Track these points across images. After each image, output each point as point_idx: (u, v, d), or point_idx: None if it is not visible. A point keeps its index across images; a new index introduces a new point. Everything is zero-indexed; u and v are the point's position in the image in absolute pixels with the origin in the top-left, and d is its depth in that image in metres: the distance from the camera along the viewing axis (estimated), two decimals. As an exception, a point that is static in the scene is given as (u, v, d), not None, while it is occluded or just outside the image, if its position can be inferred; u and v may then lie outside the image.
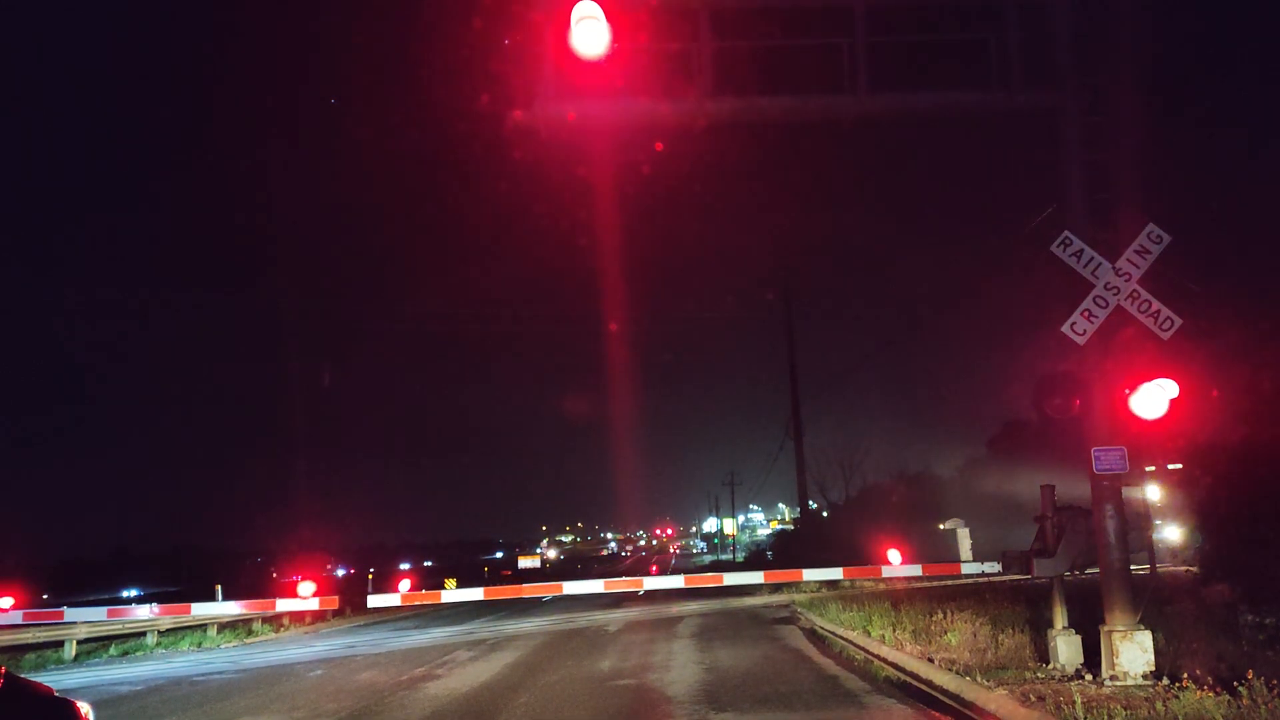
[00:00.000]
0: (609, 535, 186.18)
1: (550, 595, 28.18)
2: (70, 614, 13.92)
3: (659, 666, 13.39)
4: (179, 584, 63.11)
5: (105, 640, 22.69)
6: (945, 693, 9.78)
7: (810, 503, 49.65)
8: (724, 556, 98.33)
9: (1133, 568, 9.94)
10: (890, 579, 21.98)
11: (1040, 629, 11.33)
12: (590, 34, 8.42)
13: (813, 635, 17.18)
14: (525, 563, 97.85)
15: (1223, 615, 11.84)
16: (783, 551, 55.23)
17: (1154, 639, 9.38)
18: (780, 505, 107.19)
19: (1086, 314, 9.47)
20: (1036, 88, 10.06)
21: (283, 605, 18.52)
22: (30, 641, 20.17)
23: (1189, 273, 9.72)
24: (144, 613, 18.76)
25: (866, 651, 13.50)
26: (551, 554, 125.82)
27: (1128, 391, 9.25)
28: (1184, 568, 21.30)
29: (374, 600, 12.49)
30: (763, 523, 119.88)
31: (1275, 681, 7.33)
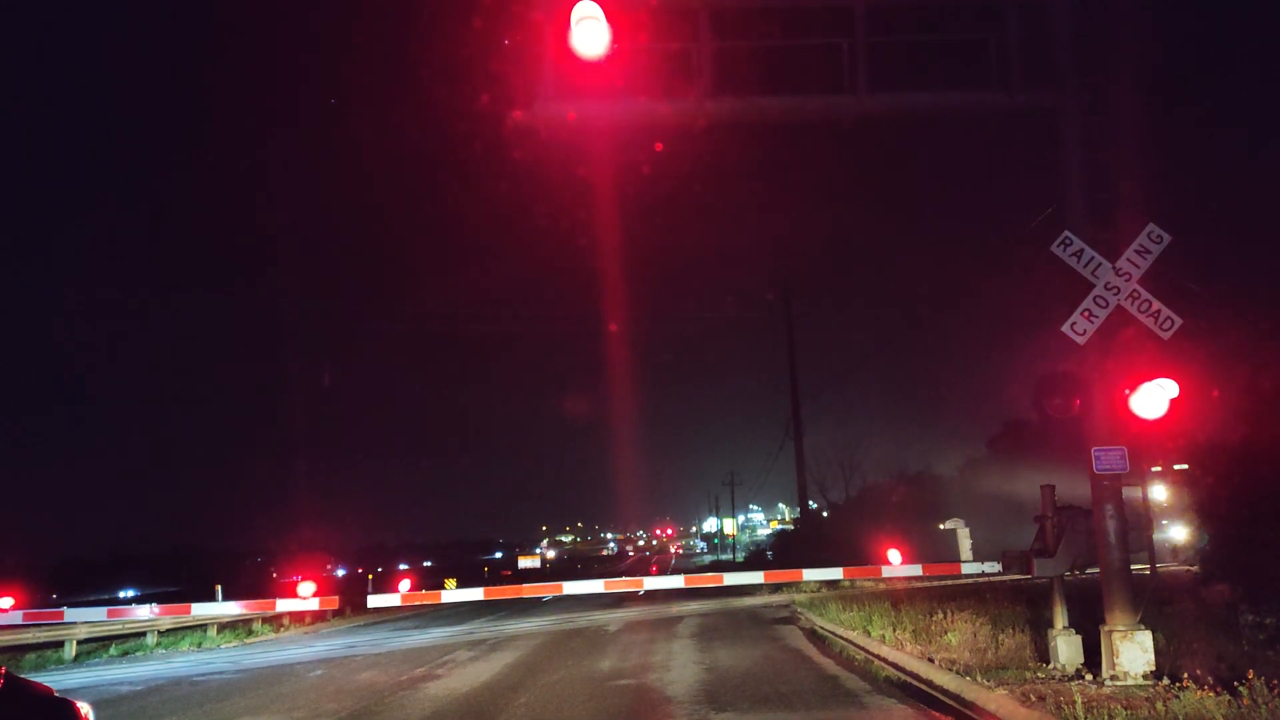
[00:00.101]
0: (608, 535, 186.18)
1: (550, 595, 28.17)
2: (70, 614, 13.91)
3: (659, 666, 13.39)
4: (179, 584, 63.10)
5: (105, 640, 22.69)
6: (945, 693, 9.78)
7: (810, 503, 49.65)
8: (724, 556, 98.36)
9: (1133, 567, 9.94)
10: (890, 579, 21.99)
11: (1040, 629, 11.33)
12: (590, 34, 8.42)
13: (813, 635, 17.18)
14: (525, 563, 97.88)
15: (1223, 615, 11.84)
16: (783, 551, 55.24)
17: (1154, 639, 9.39)
18: (780, 505, 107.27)
19: (1087, 314, 9.47)
20: (1036, 88, 10.06)
21: (283, 605, 18.51)
22: (30, 641, 20.16)
23: (1189, 273, 9.73)
24: (144, 613, 18.75)
25: (866, 651, 13.50)
26: (551, 554, 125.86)
27: (1128, 391, 9.25)
28: (1184, 567, 21.32)
29: (374, 600, 12.49)
30: (763, 523, 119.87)
31: (1276, 681, 7.33)
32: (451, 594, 13.47)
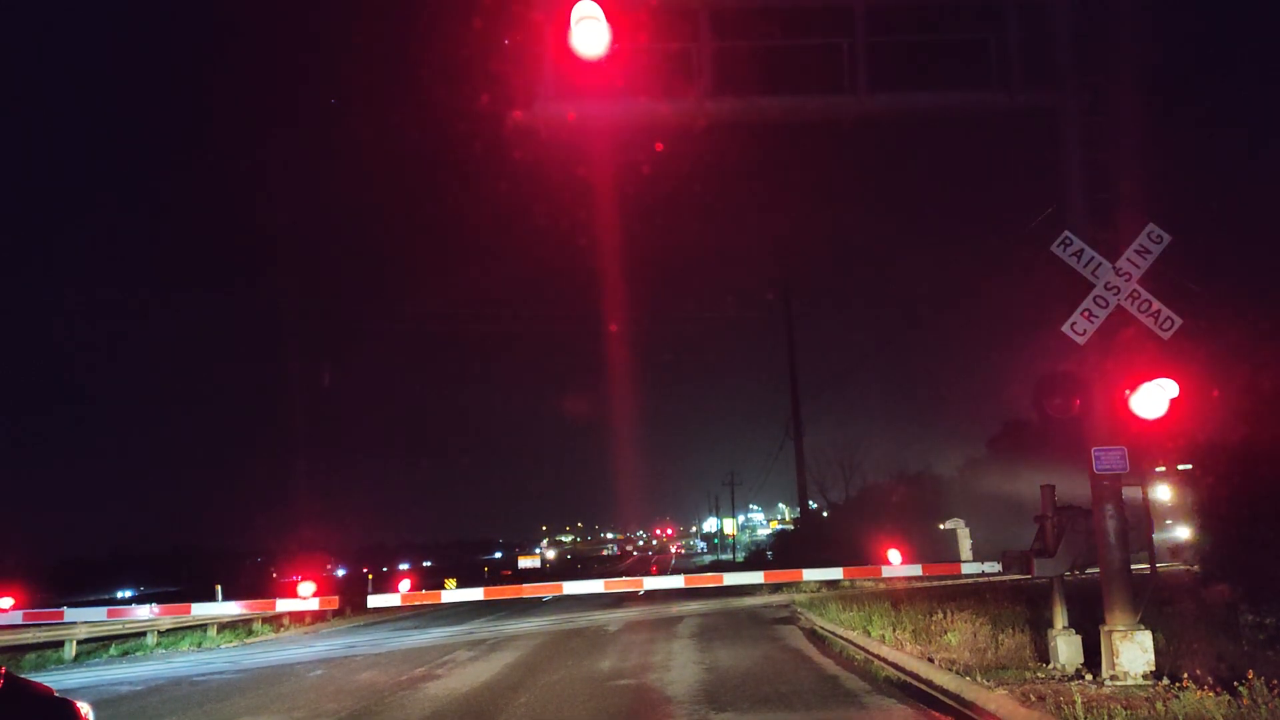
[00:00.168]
0: (608, 536, 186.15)
1: (550, 595, 28.16)
2: (70, 614, 13.92)
3: (659, 666, 13.39)
4: (179, 584, 63.10)
5: (105, 640, 22.69)
6: (945, 692, 9.78)
7: (810, 503, 49.65)
8: (724, 556, 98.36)
9: (1133, 567, 9.94)
10: (890, 579, 21.98)
11: (1040, 629, 11.33)
12: (590, 34, 8.42)
13: (813, 635, 17.18)
14: (525, 563, 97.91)
15: (1223, 615, 11.83)
16: (783, 551, 55.24)
17: (1154, 639, 9.38)
18: (780, 505, 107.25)
19: (1087, 314, 9.47)
20: (1036, 88, 10.06)
21: (283, 605, 18.51)
22: (30, 641, 20.16)
23: (1189, 273, 9.73)
24: (144, 613, 18.75)
25: (866, 651, 13.50)
26: (551, 554, 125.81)
27: (1128, 392, 9.25)
28: (1185, 566, 21.31)
29: (374, 600, 12.49)
30: (763, 523, 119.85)
31: (1275, 681, 7.32)
32: (451, 594, 13.47)
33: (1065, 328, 9.51)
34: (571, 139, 10.93)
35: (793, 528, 64.24)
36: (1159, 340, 9.33)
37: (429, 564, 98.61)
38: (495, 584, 35.05)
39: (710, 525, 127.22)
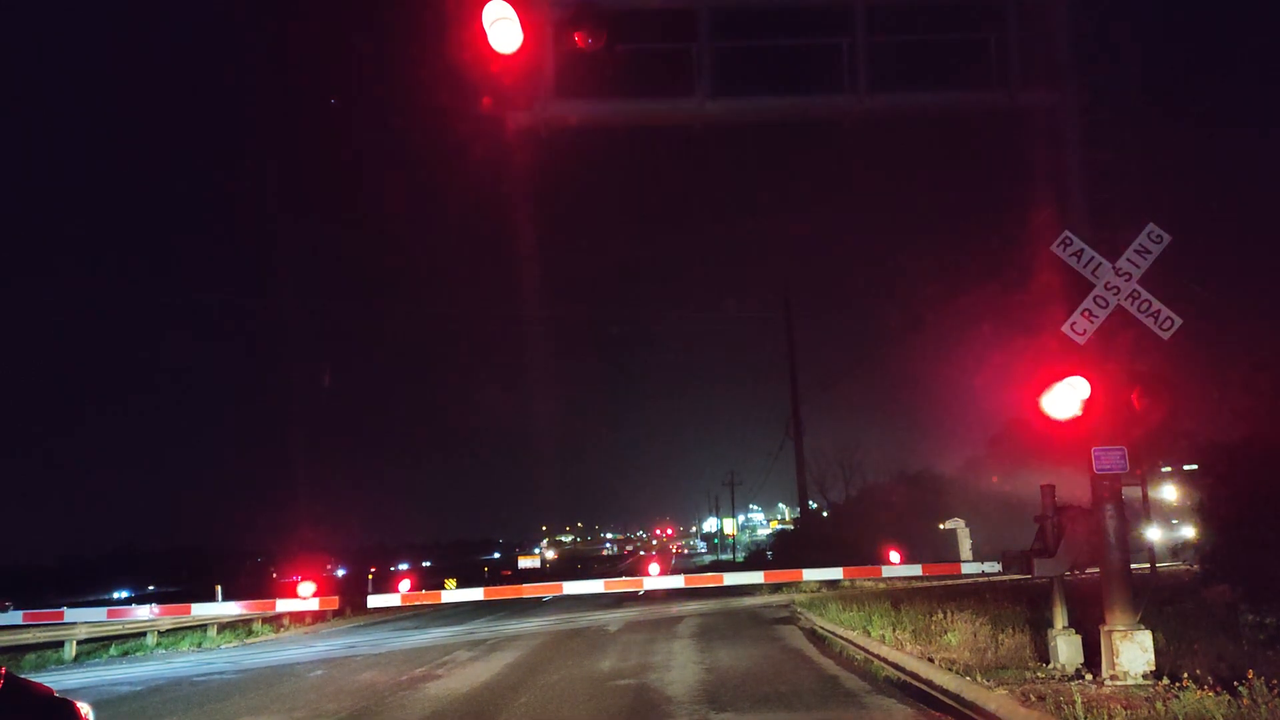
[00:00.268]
0: (607, 536, 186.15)
1: (550, 595, 28.17)
2: (70, 614, 13.91)
3: (659, 666, 13.39)
4: (179, 584, 63.10)
5: (105, 640, 22.70)
6: (945, 692, 9.78)
7: (810, 502, 49.69)
8: (724, 556, 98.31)
9: (1133, 567, 9.94)
10: (890, 579, 21.96)
11: (1040, 629, 11.33)
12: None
13: (813, 635, 17.18)
14: (525, 563, 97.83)
15: (1223, 615, 11.85)
16: (783, 551, 55.22)
17: (1154, 639, 9.38)
18: (780, 505, 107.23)
19: (1087, 314, 9.48)
20: (1036, 87, 10.07)
21: (283, 605, 18.50)
22: (30, 642, 20.17)
23: (1189, 273, 9.74)
24: (144, 613, 18.74)
25: (866, 651, 13.50)
26: (551, 554, 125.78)
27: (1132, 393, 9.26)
28: (1185, 566, 21.32)
29: (374, 600, 12.47)
30: (763, 523, 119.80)
31: (1276, 681, 7.33)
32: (451, 594, 13.44)
33: (1065, 328, 9.51)
34: (573, 140, 10.94)
35: (793, 528, 64.21)
36: (1159, 340, 9.33)
37: (428, 564, 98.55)
38: (495, 584, 35.02)
39: (710, 525, 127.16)
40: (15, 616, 11.68)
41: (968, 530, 12.83)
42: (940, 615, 14.69)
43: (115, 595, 54.50)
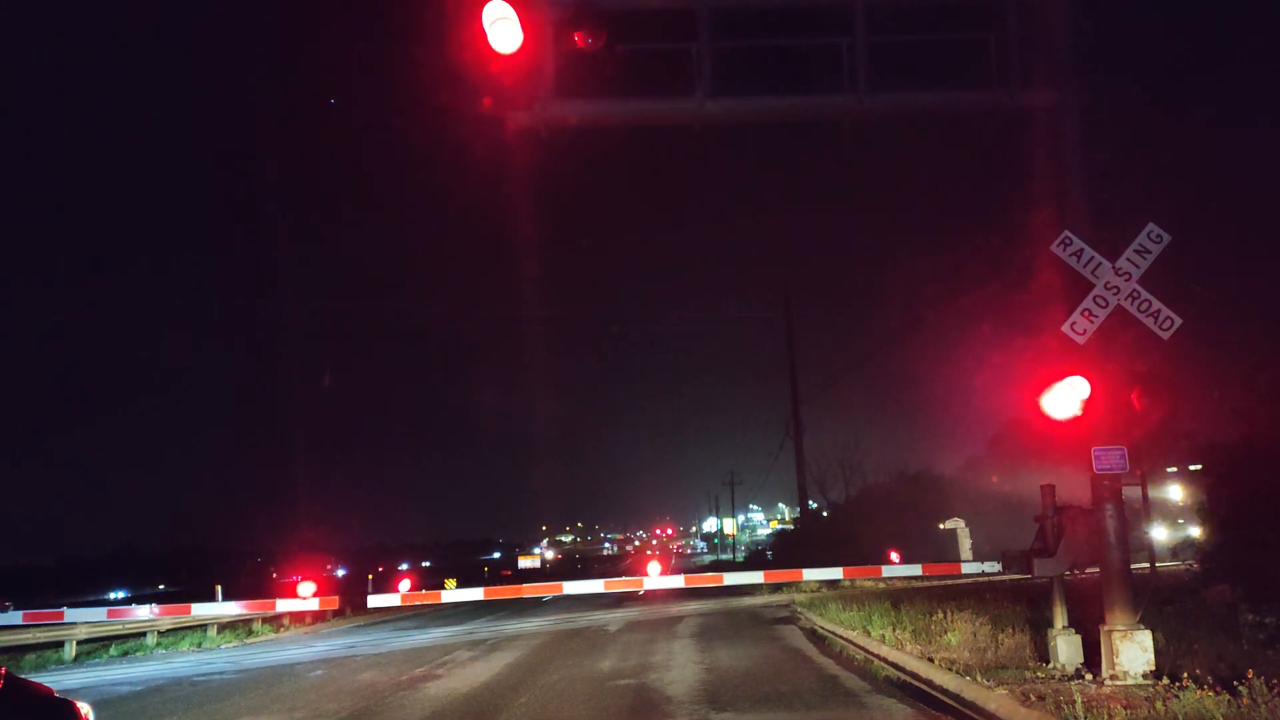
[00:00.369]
0: (607, 536, 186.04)
1: (550, 595, 28.19)
2: (70, 614, 13.90)
3: (659, 666, 13.39)
4: (179, 584, 63.11)
5: (105, 641, 22.71)
6: (945, 692, 9.78)
7: (810, 502, 49.69)
8: (724, 556, 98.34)
9: (1133, 566, 9.93)
10: (890, 579, 21.96)
11: (1040, 628, 11.33)
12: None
13: (813, 635, 17.18)
14: (525, 563, 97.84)
15: (1223, 615, 11.85)
16: (783, 551, 55.25)
17: (1154, 638, 9.38)
18: (780, 505, 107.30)
19: (1087, 314, 9.48)
20: (1036, 87, 10.06)
21: (283, 605, 18.51)
22: (30, 642, 20.18)
23: (1189, 273, 9.74)
24: (144, 613, 18.73)
25: (866, 651, 13.50)
26: (550, 554, 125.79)
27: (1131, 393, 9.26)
28: (1184, 565, 21.33)
29: (374, 600, 12.48)
30: (763, 522, 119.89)
31: (1276, 681, 7.33)
32: (451, 594, 13.44)
33: (1065, 327, 9.51)
34: (573, 140, 10.94)
35: (793, 528, 64.24)
36: (1159, 340, 9.33)
37: (428, 564, 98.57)
38: (495, 584, 35.04)
39: (710, 525, 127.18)
40: (15, 616, 11.68)
41: (968, 530, 12.84)
42: (940, 615, 14.70)
43: (112, 595, 54.48)
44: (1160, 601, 13.27)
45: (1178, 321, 9.29)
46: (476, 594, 13.64)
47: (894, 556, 11.57)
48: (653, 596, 30.25)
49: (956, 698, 9.39)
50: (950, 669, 10.60)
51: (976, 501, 36.36)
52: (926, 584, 23.32)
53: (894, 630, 14.23)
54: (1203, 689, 7.63)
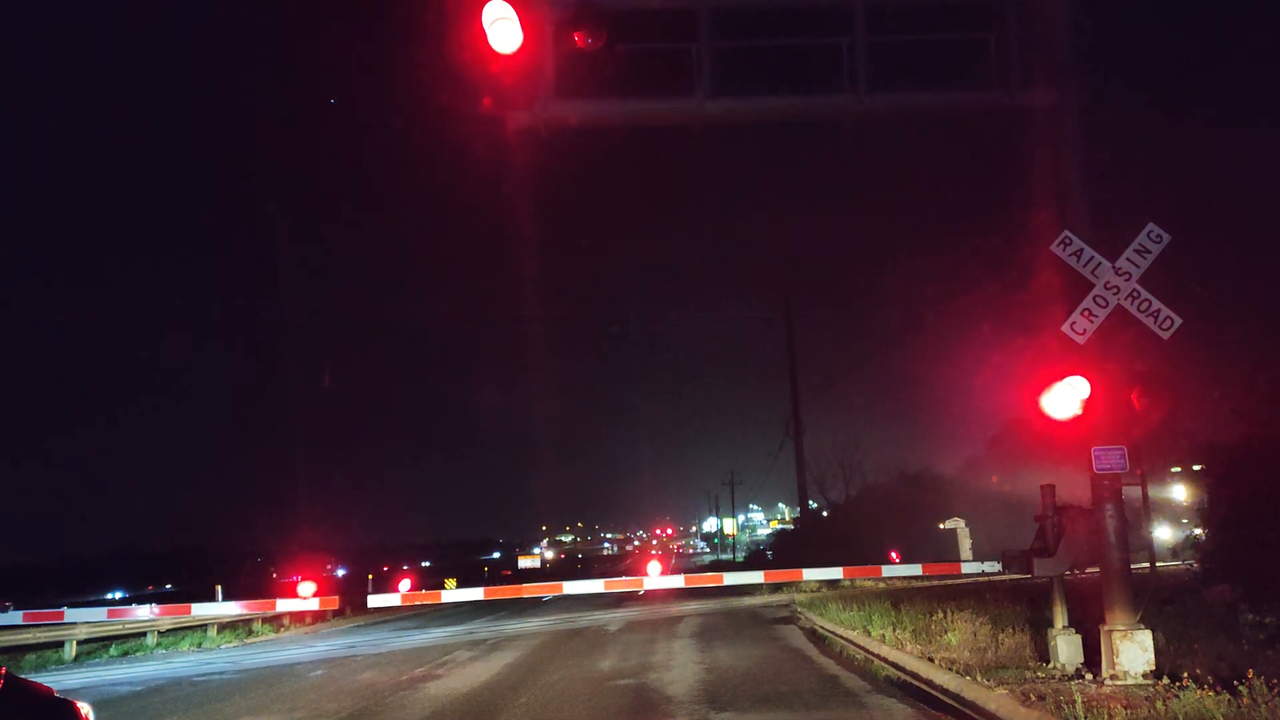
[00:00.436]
0: (607, 536, 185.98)
1: (550, 595, 28.19)
2: (70, 614, 13.90)
3: (659, 666, 13.39)
4: (179, 584, 63.12)
5: (105, 641, 22.71)
6: (945, 692, 9.78)
7: (810, 502, 49.70)
8: (724, 556, 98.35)
9: (1133, 566, 9.93)
10: (890, 578, 21.95)
11: (1040, 628, 11.33)
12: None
13: (813, 635, 17.18)
14: (525, 563, 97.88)
15: (1223, 614, 11.85)
16: (783, 551, 55.28)
17: (1154, 638, 9.38)
18: (780, 505, 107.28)
19: (1087, 313, 9.48)
20: (1036, 87, 10.06)
21: (283, 605, 18.52)
22: (30, 642, 20.18)
23: (1189, 273, 9.74)
24: (144, 613, 18.72)
25: (866, 651, 13.50)
26: (550, 554, 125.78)
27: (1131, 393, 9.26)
28: (1184, 565, 21.34)
29: (374, 600, 12.49)
30: (763, 522, 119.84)
31: (1276, 681, 7.33)
32: (451, 594, 13.44)
33: (1065, 327, 9.51)
34: (573, 140, 10.94)
35: (793, 527, 64.27)
36: (1159, 340, 9.33)
37: (428, 564, 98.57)
38: (495, 584, 35.05)
39: (710, 525, 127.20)
40: (15, 616, 11.69)
41: (968, 530, 12.87)
42: (940, 615, 14.69)
43: (109, 596, 54.44)
44: (1160, 601, 13.27)
45: (1178, 321, 9.29)
46: (476, 594, 13.65)
47: (894, 556, 11.57)
48: (653, 596, 30.25)
49: (957, 697, 9.39)
50: (950, 669, 10.60)
51: (976, 501, 36.37)
52: (926, 584, 23.30)
53: (894, 630, 14.22)
54: (1203, 689, 7.63)
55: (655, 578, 12.05)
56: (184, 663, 18.98)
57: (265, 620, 27.29)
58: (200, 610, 17.62)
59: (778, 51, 10.20)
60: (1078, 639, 10.13)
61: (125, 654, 21.73)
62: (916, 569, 11.96)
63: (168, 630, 24.04)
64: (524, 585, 13.36)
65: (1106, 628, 9.46)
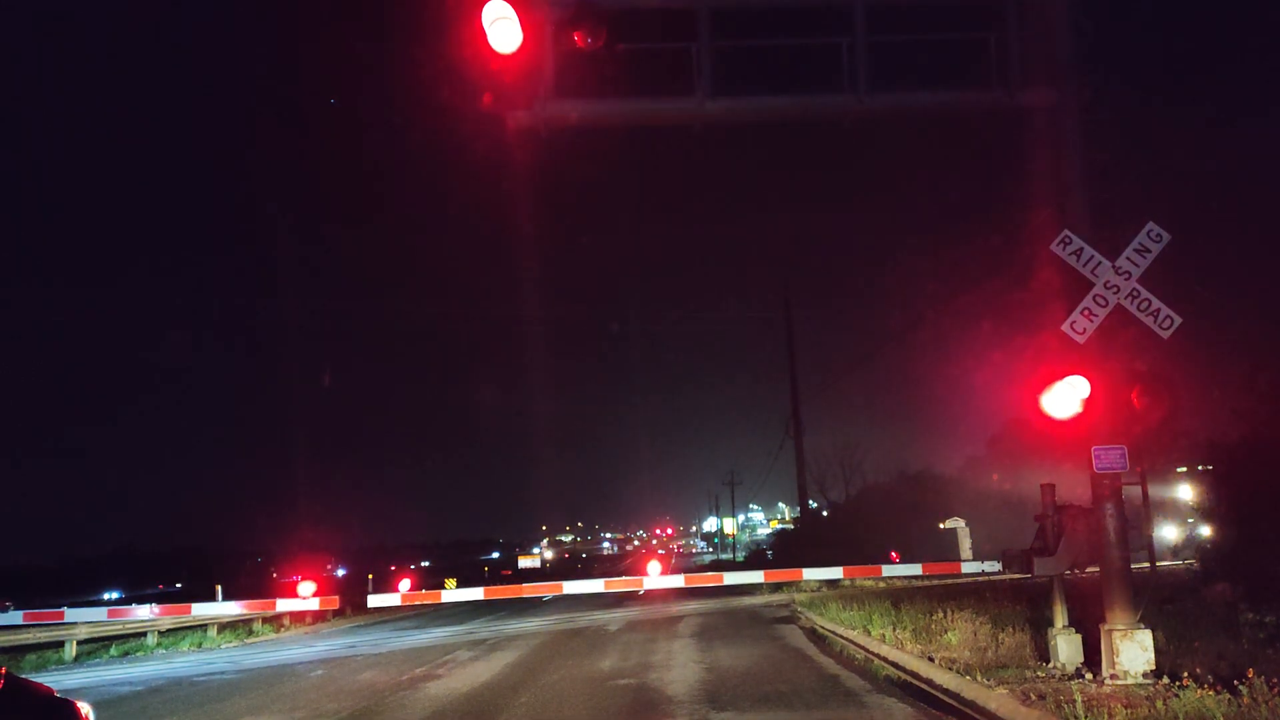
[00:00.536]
0: (607, 536, 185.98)
1: (550, 595, 28.18)
2: (71, 614, 13.89)
3: (659, 666, 13.40)
4: (179, 584, 63.11)
5: (106, 641, 22.71)
6: (946, 691, 9.78)
7: (810, 502, 49.72)
8: (724, 556, 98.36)
9: (1133, 566, 9.94)
10: (890, 578, 21.93)
11: (1040, 628, 11.33)
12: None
13: (813, 634, 17.18)
14: (525, 563, 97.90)
15: (1223, 613, 11.86)
16: (783, 551, 55.29)
17: (1154, 637, 9.39)
18: (780, 505, 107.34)
19: (1087, 313, 9.48)
20: (1036, 86, 10.07)
21: (283, 605, 18.51)
22: (31, 642, 20.18)
23: (1189, 272, 9.74)
24: (144, 613, 18.70)
25: (867, 650, 13.50)
26: (550, 554, 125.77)
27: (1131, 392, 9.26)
28: (1183, 564, 21.35)
29: (374, 600, 12.49)
30: (763, 522, 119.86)
31: (1276, 680, 7.33)
32: (451, 594, 13.44)
33: (1065, 326, 9.51)
34: (573, 139, 10.95)
35: (793, 527, 64.29)
36: (1159, 339, 9.34)
37: (428, 564, 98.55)
38: (495, 584, 35.04)
39: (710, 525, 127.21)
40: (15, 616, 11.69)
41: (968, 529, 12.87)
42: (940, 614, 14.70)
43: (105, 596, 54.38)
44: (1160, 600, 13.28)
45: (1178, 321, 9.29)
46: (476, 594, 13.65)
47: (894, 556, 11.57)
48: (653, 596, 30.24)
49: (957, 697, 9.40)
50: (950, 668, 10.61)
51: (976, 501, 36.40)
52: (926, 583, 23.31)
53: (894, 630, 14.23)
54: (1203, 688, 7.64)
55: (655, 577, 12.04)
56: (184, 663, 18.98)
57: (265, 620, 27.29)
58: (200, 610, 17.61)
59: (778, 51, 10.21)
60: (1078, 638, 10.14)
61: (125, 654, 21.73)
62: (916, 568, 11.95)
63: (168, 630, 24.05)
64: (524, 585, 13.36)
65: (1107, 627, 9.47)
